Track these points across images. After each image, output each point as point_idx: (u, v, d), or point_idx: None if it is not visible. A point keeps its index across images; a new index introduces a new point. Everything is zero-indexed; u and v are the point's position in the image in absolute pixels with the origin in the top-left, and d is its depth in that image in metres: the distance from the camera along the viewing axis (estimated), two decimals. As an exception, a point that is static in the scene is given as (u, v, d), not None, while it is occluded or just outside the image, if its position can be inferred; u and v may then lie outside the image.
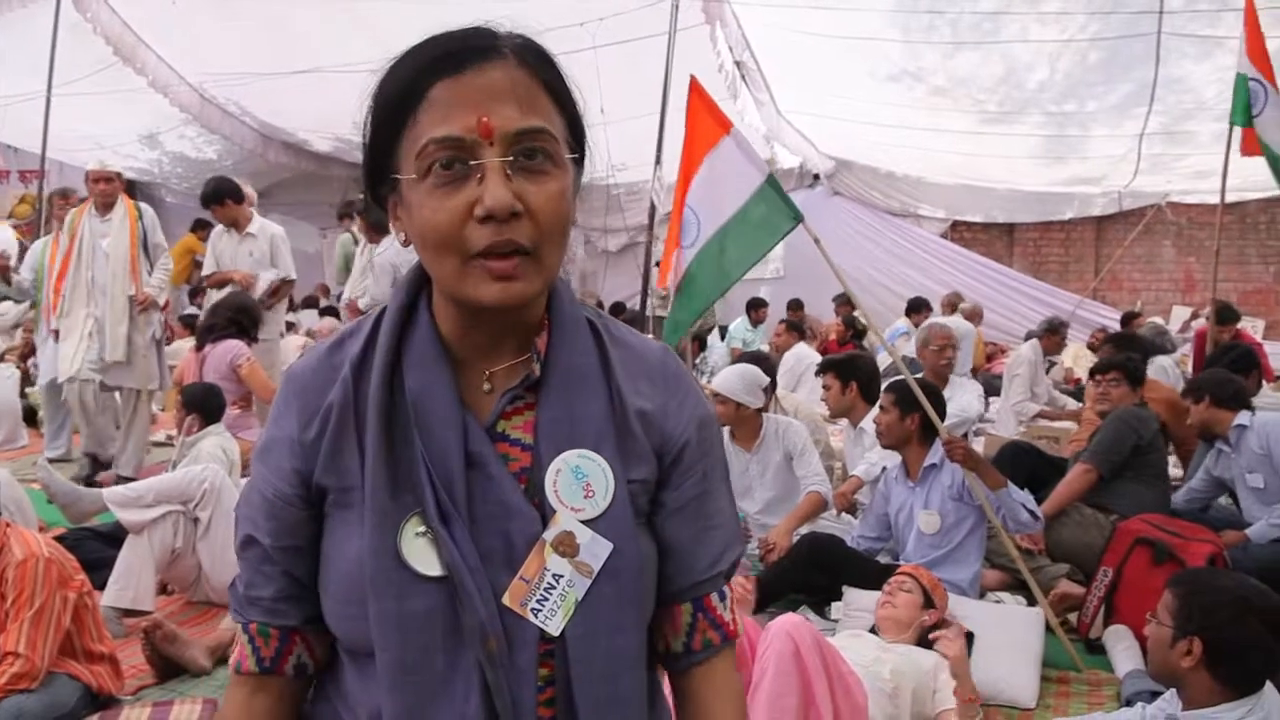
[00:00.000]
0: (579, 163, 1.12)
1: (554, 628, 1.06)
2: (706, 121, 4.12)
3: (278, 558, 1.13)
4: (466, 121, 1.00)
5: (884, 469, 4.77)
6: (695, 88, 4.20)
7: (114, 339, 6.25)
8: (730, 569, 1.23)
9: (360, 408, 1.10)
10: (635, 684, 1.10)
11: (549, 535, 1.07)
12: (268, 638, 1.15)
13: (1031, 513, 3.91)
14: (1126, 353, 6.03)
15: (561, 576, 1.06)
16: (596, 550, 1.08)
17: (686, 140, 4.19)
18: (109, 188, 6.28)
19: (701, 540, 1.19)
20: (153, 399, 6.81)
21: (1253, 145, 6.01)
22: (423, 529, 1.06)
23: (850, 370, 5.40)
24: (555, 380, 1.12)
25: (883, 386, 4.84)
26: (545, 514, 1.08)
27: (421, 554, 1.05)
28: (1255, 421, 4.69)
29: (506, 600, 1.06)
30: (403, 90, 1.04)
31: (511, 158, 1.01)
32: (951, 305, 10.96)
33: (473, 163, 1.00)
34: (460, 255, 1.02)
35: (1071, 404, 8.38)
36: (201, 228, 10.48)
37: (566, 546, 1.07)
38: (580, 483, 1.08)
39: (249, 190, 7.33)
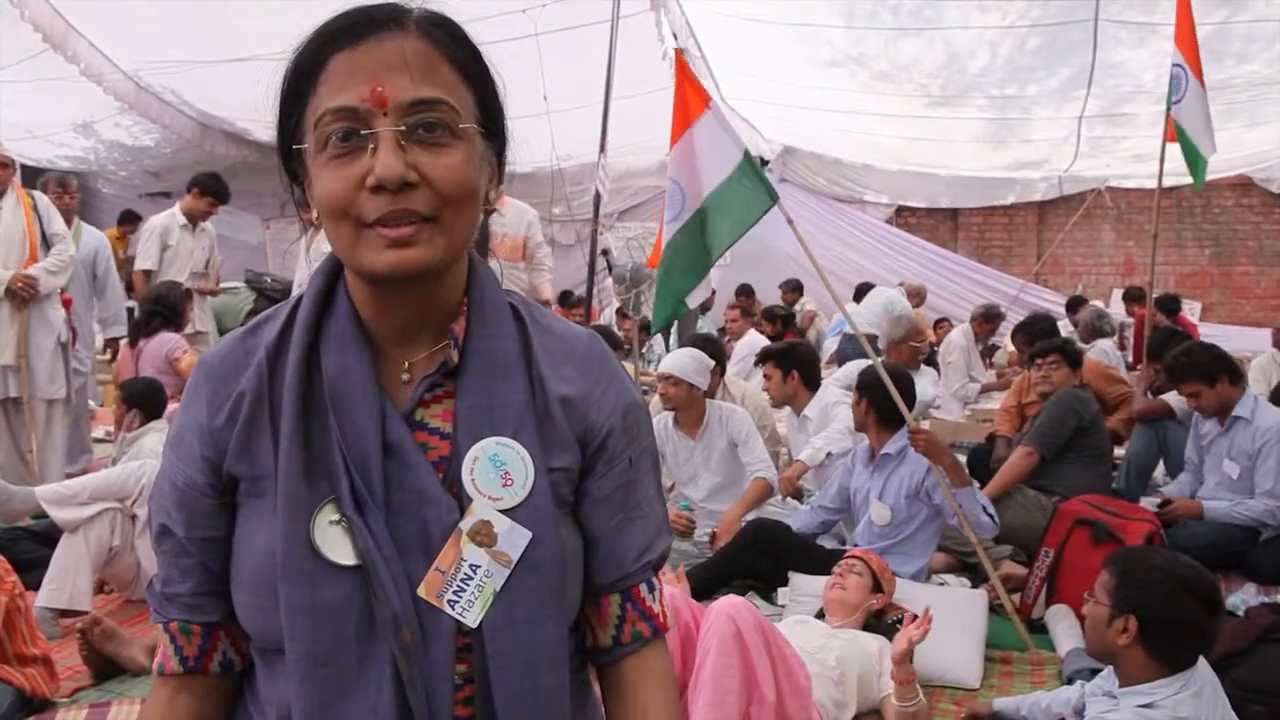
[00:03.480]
0: (493, 138, 1.09)
1: (471, 619, 1.03)
2: (689, 96, 4.11)
3: (193, 549, 1.10)
4: (361, 91, 0.98)
5: (829, 454, 4.80)
6: (680, 62, 4.21)
7: (1, 341, 5.52)
8: (659, 560, 1.21)
9: (275, 393, 1.06)
10: (556, 679, 1.07)
11: (465, 525, 1.04)
12: (190, 635, 1.12)
13: (990, 516, 3.93)
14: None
15: (479, 567, 1.04)
16: (515, 540, 1.05)
17: (673, 115, 4.19)
18: (3, 174, 5.51)
19: (628, 531, 1.17)
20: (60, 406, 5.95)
21: (1173, 131, 6.08)
22: (337, 517, 1.03)
23: (790, 359, 5.44)
24: (474, 367, 1.09)
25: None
26: (463, 503, 1.05)
27: (335, 543, 1.02)
28: (1258, 419, 4.66)
29: (422, 591, 1.03)
30: (305, 63, 1.02)
31: (404, 128, 0.98)
32: (916, 294, 11.00)
33: (365, 132, 0.98)
34: (354, 223, 1.00)
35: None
36: (128, 220, 10.13)
37: (484, 536, 1.04)
38: (498, 471, 1.06)
39: None
